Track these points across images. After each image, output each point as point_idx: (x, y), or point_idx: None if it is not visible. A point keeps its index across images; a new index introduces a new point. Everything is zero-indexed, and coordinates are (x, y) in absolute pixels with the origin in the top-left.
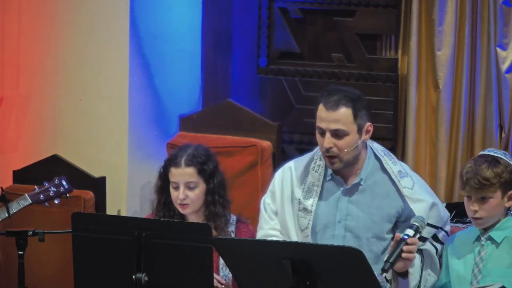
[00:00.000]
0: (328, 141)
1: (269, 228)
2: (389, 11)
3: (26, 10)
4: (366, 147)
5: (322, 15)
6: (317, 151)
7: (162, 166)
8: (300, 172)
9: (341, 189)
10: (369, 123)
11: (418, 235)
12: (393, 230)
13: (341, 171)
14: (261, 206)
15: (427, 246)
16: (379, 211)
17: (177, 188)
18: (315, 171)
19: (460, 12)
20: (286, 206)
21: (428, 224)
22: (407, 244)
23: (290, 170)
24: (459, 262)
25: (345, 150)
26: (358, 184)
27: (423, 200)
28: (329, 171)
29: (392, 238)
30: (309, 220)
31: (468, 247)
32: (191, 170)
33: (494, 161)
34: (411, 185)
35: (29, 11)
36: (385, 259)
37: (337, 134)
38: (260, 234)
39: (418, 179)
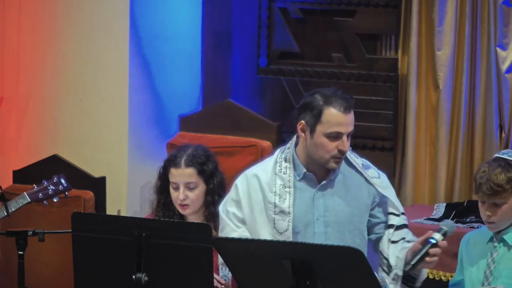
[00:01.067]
0: (347, 144)
1: (237, 236)
2: (389, 11)
3: (26, 10)
4: None
5: (322, 15)
6: (279, 154)
7: (161, 167)
8: (268, 177)
9: (315, 186)
10: None
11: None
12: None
13: (314, 169)
14: (223, 216)
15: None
16: (356, 202)
17: (177, 188)
18: (284, 173)
19: (460, 12)
20: (257, 215)
21: (403, 213)
22: (436, 246)
23: (256, 177)
24: (473, 262)
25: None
26: (331, 180)
27: (390, 188)
28: (299, 171)
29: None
30: (289, 221)
31: (481, 248)
32: (191, 171)
33: (507, 165)
34: (378, 175)
35: (29, 11)
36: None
37: (351, 134)
38: None
39: (379, 170)
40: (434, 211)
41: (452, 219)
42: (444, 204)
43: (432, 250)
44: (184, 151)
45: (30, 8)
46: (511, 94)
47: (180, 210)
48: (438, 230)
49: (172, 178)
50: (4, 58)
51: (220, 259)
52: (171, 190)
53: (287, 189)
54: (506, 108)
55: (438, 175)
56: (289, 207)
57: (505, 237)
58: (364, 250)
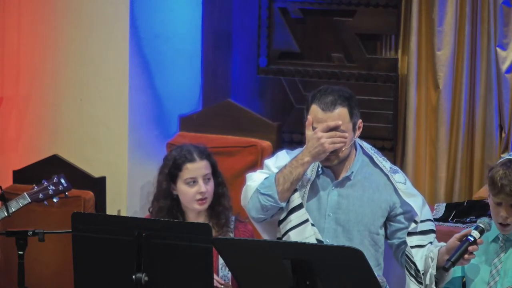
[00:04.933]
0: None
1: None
2: (389, 11)
3: (26, 10)
4: (355, 145)
5: (322, 15)
6: None
7: (166, 169)
8: None
9: (332, 183)
10: (360, 120)
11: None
12: (385, 223)
13: (332, 166)
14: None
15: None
16: (370, 204)
17: (195, 183)
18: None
19: (460, 12)
20: None
21: (429, 220)
22: (474, 244)
23: (285, 158)
24: (476, 261)
25: (343, 149)
26: (348, 178)
27: (416, 195)
28: (321, 166)
29: (386, 235)
30: (304, 192)
31: (485, 247)
32: (205, 163)
33: None
34: (404, 180)
35: (29, 11)
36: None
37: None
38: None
39: (406, 177)
40: (434, 211)
41: (452, 219)
42: (444, 204)
43: (471, 248)
44: (186, 147)
45: (30, 8)
46: (511, 94)
47: (198, 207)
48: (475, 228)
49: (188, 174)
50: (4, 58)
51: (221, 260)
52: (186, 188)
53: (305, 182)
54: (506, 108)
55: (438, 175)
56: (303, 198)
57: (510, 236)
58: (372, 251)
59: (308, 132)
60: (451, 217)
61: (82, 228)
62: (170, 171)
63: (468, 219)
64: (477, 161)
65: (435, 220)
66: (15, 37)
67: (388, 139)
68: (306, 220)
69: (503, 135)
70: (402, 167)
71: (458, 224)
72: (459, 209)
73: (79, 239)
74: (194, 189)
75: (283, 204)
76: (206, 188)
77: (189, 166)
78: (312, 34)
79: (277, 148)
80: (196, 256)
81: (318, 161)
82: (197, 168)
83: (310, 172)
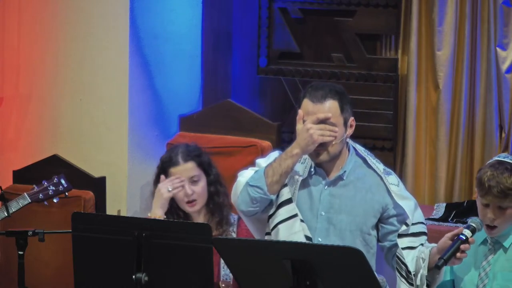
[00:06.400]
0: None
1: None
2: (389, 11)
3: (26, 10)
4: (348, 146)
5: (322, 15)
6: None
7: (156, 174)
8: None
9: (324, 182)
10: (352, 118)
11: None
12: (377, 225)
13: (324, 165)
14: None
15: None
16: (362, 204)
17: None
18: (301, 163)
19: (460, 12)
20: None
21: (420, 222)
22: (466, 243)
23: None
24: (466, 264)
25: (333, 143)
26: (341, 177)
27: (409, 198)
28: (313, 166)
29: (377, 237)
30: (295, 188)
31: (474, 250)
32: (191, 164)
33: None
34: (397, 183)
35: (29, 11)
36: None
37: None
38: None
39: (400, 180)
40: (434, 211)
41: (452, 219)
42: (444, 204)
43: (463, 246)
44: (176, 149)
45: (30, 8)
46: (511, 94)
47: (189, 209)
48: (467, 227)
49: None
50: (4, 58)
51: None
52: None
53: (297, 177)
54: (506, 108)
55: (438, 175)
56: (293, 195)
57: (499, 239)
58: (364, 252)
59: (298, 126)
60: (451, 217)
61: (82, 228)
62: (159, 174)
63: (468, 219)
64: (477, 161)
65: (435, 220)
66: (15, 37)
67: (388, 139)
68: (295, 215)
69: (503, 135)
70: (402, 167)
71: (458, 224)
72: (459, 209)
73: (79, 239)
74: (181, 192)
75: (273, 197)
76: (193, 189)
77: (173, 170)
78: (312, 34)
79: (277, 148)
80: (196, 256)
81: (307, 154)
82: (181, 171)
83: (303, 171)
